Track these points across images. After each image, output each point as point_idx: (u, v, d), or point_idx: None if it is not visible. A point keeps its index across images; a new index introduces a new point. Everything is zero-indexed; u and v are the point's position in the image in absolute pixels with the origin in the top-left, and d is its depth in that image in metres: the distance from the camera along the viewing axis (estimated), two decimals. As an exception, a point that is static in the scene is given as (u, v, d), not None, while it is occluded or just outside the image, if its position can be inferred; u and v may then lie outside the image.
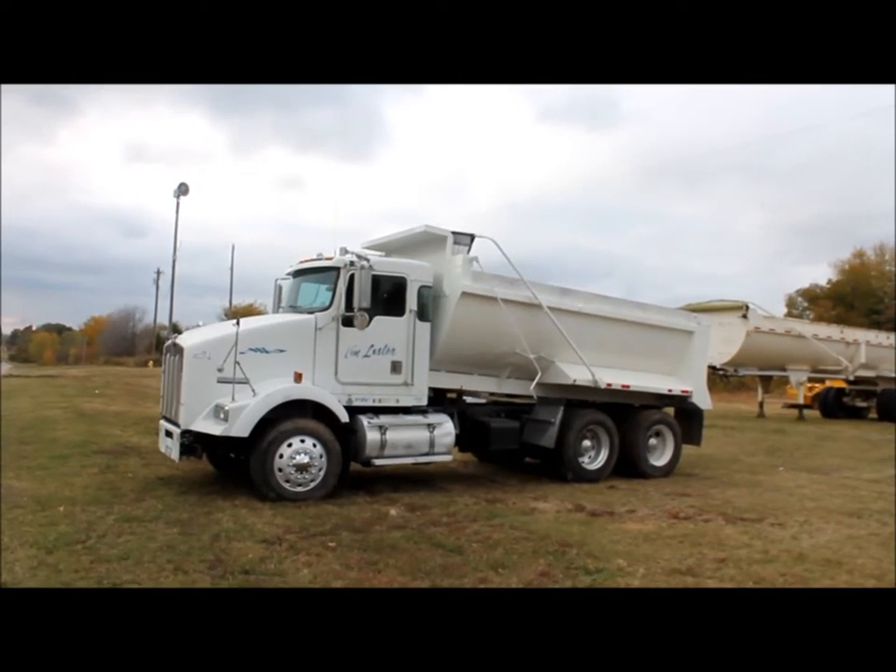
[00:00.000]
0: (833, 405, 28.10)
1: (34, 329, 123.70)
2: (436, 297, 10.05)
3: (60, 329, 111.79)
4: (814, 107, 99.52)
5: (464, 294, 9.88)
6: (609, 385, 11.14)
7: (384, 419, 9.47)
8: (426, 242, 10.32)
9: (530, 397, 10.81)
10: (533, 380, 10.65)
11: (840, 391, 28.10)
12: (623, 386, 11.40)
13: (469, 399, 11.03)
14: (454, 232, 10.21)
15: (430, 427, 9.79)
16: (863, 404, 27.88)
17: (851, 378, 26.25)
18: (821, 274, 53.45)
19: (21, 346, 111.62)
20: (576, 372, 10.85)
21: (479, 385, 10.78)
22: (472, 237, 10.50)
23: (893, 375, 26.10)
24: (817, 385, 28.79)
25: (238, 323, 8.70)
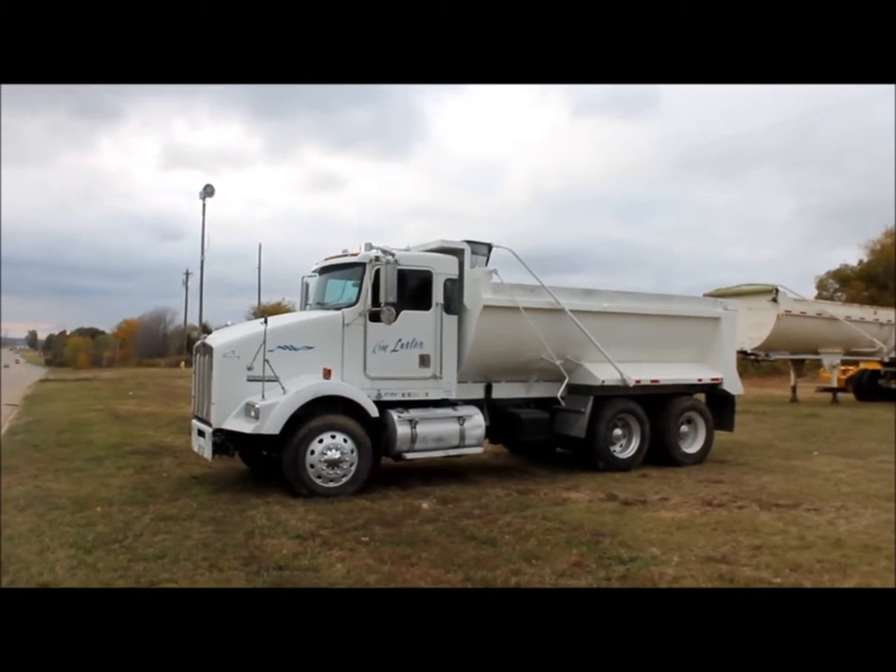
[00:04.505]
0: (868, 388, 27.60)
1: (68, 333, 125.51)
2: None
3: (93, 333, 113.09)
4: (851, 87, 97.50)
5: (485, 307, 9.87)
6: (639, 381, 11.07)
7: (413, 413, 9.48)
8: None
9: None
10: (562, 382, 10.63)
11: (875, 373, 27.61)
12: (653, 382, 11.33)
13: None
14: (470, 242, 10.14)
15: (460, 419, 9.79)
16: (899, 386, 27.40)
17: (886, 360, 25.82)
18: (855, 257, 52.06)
19: (57, 351, 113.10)
20: (604, 373, 10.80)
21: (508, 393, 10.69)
22: (490, 247, 10.45)
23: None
24: (850, 367, 28.28)
25: (266, 321, 8.77)
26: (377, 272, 9.23)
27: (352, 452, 8.89)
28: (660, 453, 11.46)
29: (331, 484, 8.76)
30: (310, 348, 9.10)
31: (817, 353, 25.43)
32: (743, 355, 22.08)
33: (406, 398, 9.62)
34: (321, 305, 10.24)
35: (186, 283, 71.27)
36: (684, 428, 11.86)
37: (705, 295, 17.80)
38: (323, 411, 8.88)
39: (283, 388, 8.60)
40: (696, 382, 12.00)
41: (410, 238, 10.76)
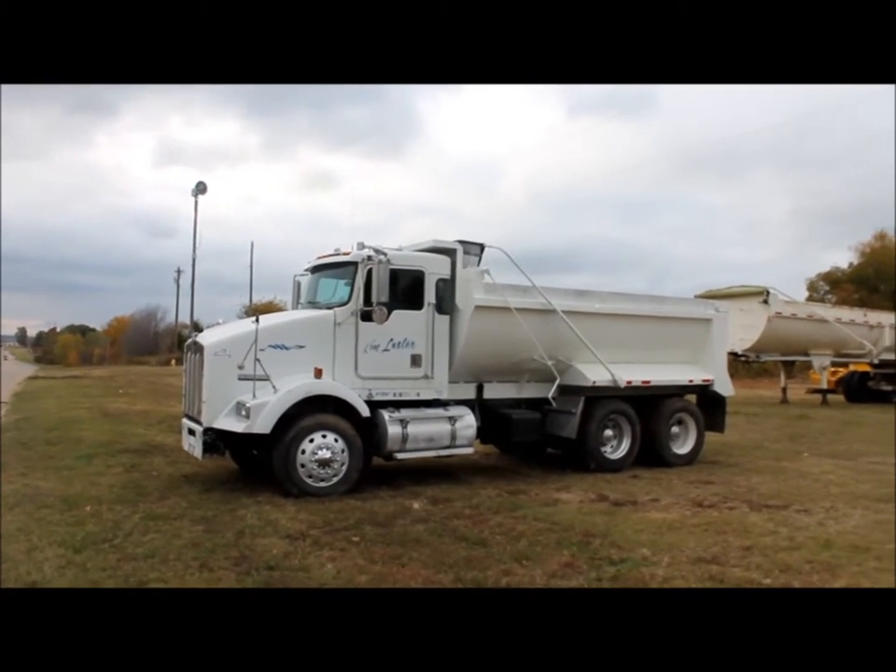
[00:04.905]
0: (858, 389, 27.78)
1: (58, 330, 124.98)
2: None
3: (83, 331, 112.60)
4: (849, 89, 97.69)
5: (477, 308, 9.87)
6: (629, 382, 11.08)
7: (405, 413, 9.47)
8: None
9: None
10: (553, 382, 10.63)
11: (864, 375, 27.79)
12: (644, 383, 11.35)
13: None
14: (462, 242, 10.14)
15: (451, 419, 9.79)
16: (888, 388, 27.50)
17: (876, 361, 25.99)
18: (846, 260, 52.37)
19: (47, 348, 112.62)
20: (595, 373, 10.81)
21: (499, 393, 10.69)
22: (482, 247, 10.45)
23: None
24: (840, 369, 28.46)
25: (257, 320, 8.74)
26: (369, 271, 9.22)
27: (343, 451, 8.87)
28: (651, 454, 11.48)
29: (322, 484, 8.74)
30: (301, 347, 9.07)
31: (807, 354, 25.58)
32: (734, 356, 22.18)
33: (397, 397, 9.61)
34: (313, 304, 10.21)
35: (177, 280, 71.16)
36: (675, 429, 11.88)
37: (696, 296, 17.86)
38: (314, 410, 8.86)
39: (274, 387, 8.58)
40: (687, 383, 12.03)
41: (406, 238, 10.72)
